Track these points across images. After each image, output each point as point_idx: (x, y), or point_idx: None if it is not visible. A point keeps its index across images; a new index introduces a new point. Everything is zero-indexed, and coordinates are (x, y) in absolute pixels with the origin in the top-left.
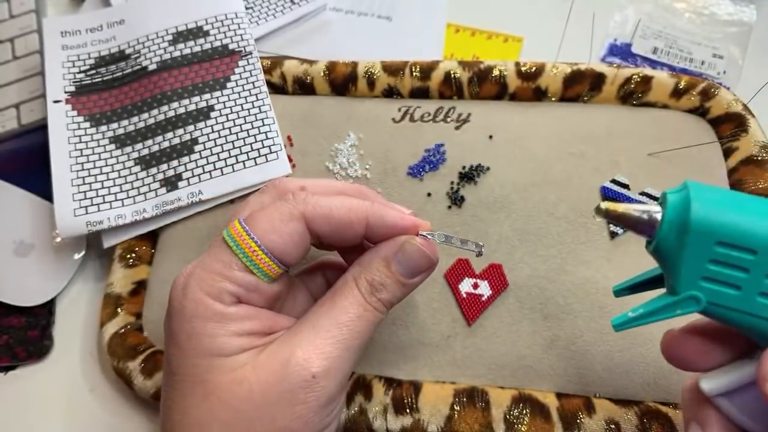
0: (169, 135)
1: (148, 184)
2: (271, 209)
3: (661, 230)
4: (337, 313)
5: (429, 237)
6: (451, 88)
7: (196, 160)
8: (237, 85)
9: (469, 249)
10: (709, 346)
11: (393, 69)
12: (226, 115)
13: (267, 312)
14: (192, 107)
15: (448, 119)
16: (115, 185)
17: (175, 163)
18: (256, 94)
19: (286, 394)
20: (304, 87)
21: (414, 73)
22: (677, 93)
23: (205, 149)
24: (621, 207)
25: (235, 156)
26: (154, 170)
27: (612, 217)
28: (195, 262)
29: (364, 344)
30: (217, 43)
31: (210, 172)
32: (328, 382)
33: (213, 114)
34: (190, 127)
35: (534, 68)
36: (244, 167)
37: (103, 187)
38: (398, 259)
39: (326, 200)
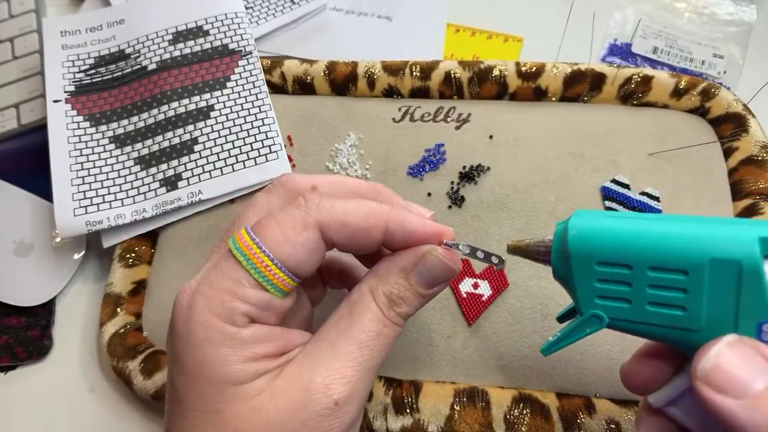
0: (169, 135)
1: (148, 184)
2: (282, 217)
3: (551, 259)
4: (356, 332)
5: (452, 247)
6: (451, 88)
7: (196, 160)
8: (237, 85)
9: (492, 262)
10: (656, 368)
11: (393, 69)
12: (226, 114)
13: (280, 330)
14: (192, 107)
15: (448, 119)
16: (114, 185)
17: (174, 162)
18: (256, 94)
19: (309, 422)
20: (304, 87)
21: (414, 73)
22: (677, 93)
23: (205, 149)
24: (524, 242)
25: (235, 156)
26: (153, 170)
27: (516, 252)
28: (199, 276)
29: (383, 361)
30: (217, 43)
31: (210, 171)
32: (350, 407)
33: (213, 114)
34: (190, 127)
35: (534, 68)
36: (244, 167)
37: (102, 187)
38: (418, 270)
39: (341, 205)
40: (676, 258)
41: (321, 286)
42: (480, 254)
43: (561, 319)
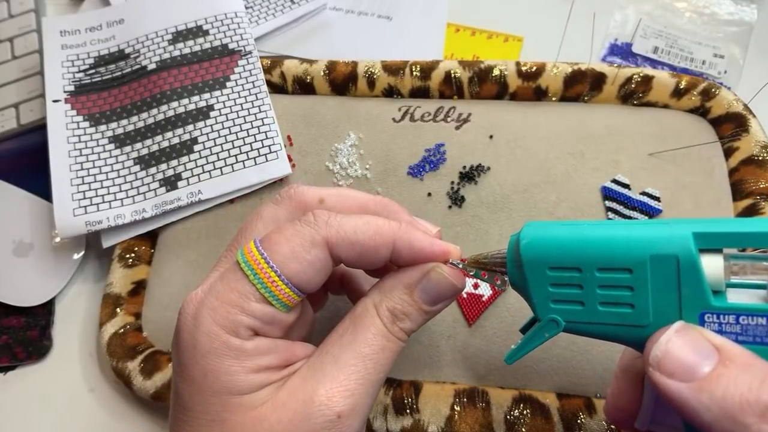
0: (169, 135)
1: (148, 184)
2: (291, 233)
3: (507, 269)
4: (360, 345)
5: (458, 266)
6: (451, 88)
7: (195, 160)
8: (237, 85)
9: (495, 284)
10: (629, 395)
11: (393, 69)
12: (226, 114)
13: (283, 343)
14: (192, 107)
15: (449, 119)
16: (114, 185)
17: (174, 162)
18: (255, 94)
19: None
20: (304, 87)
21: (414, 73)
22: (678, 93)
23: (204, 149)
24: (482, 255)
25: (235, 156)
26: (153, 170)
27: (475, 266)
28: (205, 286)
29: (385, 376)
30: (217, 43)
31: (210, 171)
32: (353, 421)
33: (213, 114)
34: (190, 127)
35: (534, 68)
36: (244, 167)
37: (102, 187)
38: (422, 286)
39: (350, 222)
40: (620, 257)
41: (323, 293)
42: (484, 275)
43: (524, 330)
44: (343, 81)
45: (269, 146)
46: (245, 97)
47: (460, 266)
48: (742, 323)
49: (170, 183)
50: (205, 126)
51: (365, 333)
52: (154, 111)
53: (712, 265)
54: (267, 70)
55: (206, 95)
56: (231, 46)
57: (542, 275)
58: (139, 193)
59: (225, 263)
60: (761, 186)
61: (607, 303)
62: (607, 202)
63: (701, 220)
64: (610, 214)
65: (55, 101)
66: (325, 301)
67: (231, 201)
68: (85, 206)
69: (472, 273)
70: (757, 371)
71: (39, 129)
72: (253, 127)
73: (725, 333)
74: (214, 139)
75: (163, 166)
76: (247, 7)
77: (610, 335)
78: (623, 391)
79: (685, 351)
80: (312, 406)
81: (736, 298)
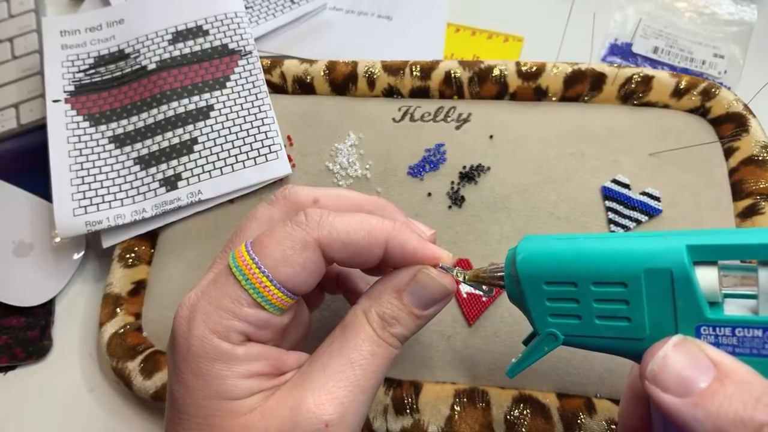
0: (169, 135)
1: (148, 184)
2: (282, 235)
3: (504, 284)
4: (349, 351)
5: (447, 271)
6: (451, 88)
7: (195, 160)
8: (237, 85)
9: (482, 290)
10: (638, 415)
11: (393, 69)
12: (226, 114)
13: (275, 350)
14: (192, 107)
15: (449, 119)
16: (114, 185)
17: (174, 162)
18: (255, 94)
19: None
20: (304, 87)
21: (414, 73)
22: (678, 93)
23: (204, 149)
24: (480, 270)
25: (235, 156)
26: (153, 170)
27: (474, 281)
28: (198, 289)
29: (378, 384)
30: (217, 43)
31: (210, 171)
32: (342, 430)
33: (213, 114)
34: (190, 127)
35: (534, 68)
36: (244, 167)
37: (102, 187)
38: (410, 289)
39: (343, 222)
40: (614, 271)
41: (318, 292)
42: (471, 282)
43: (525, 342)
44: (343, 81)
45: (269, 146)
46: (245, 97)
47: (453, 272)
48: (739, 335)
49: (170, 183)
50: (205, 126)
51: (354, 339)
52: (154, 111)
53: (706, 278)
54: (267, 70)
55: (206, 95)
56: (231, 46)
57: (539, 290)
58: (139, 193)
59: (219, 264)
60: (761, 186)
61: (604, 317)
62: (607, 202)
63: (696, 232)
64: (611, 214)
65: (55, 101)
66: (322, 300)
67: (231, 201)
68: (85, 206)
69: (461, 279)
70: (753, 389)
71: (39, 129)
72: (253, 127)
73: (722, 345)
74: (214, 139)
75: (163, 166)
76: (247, 7)
77: (608, 348)
78: (631, 410)
79: (681, 365)
80: (299, 414)
81: (732, 309)
